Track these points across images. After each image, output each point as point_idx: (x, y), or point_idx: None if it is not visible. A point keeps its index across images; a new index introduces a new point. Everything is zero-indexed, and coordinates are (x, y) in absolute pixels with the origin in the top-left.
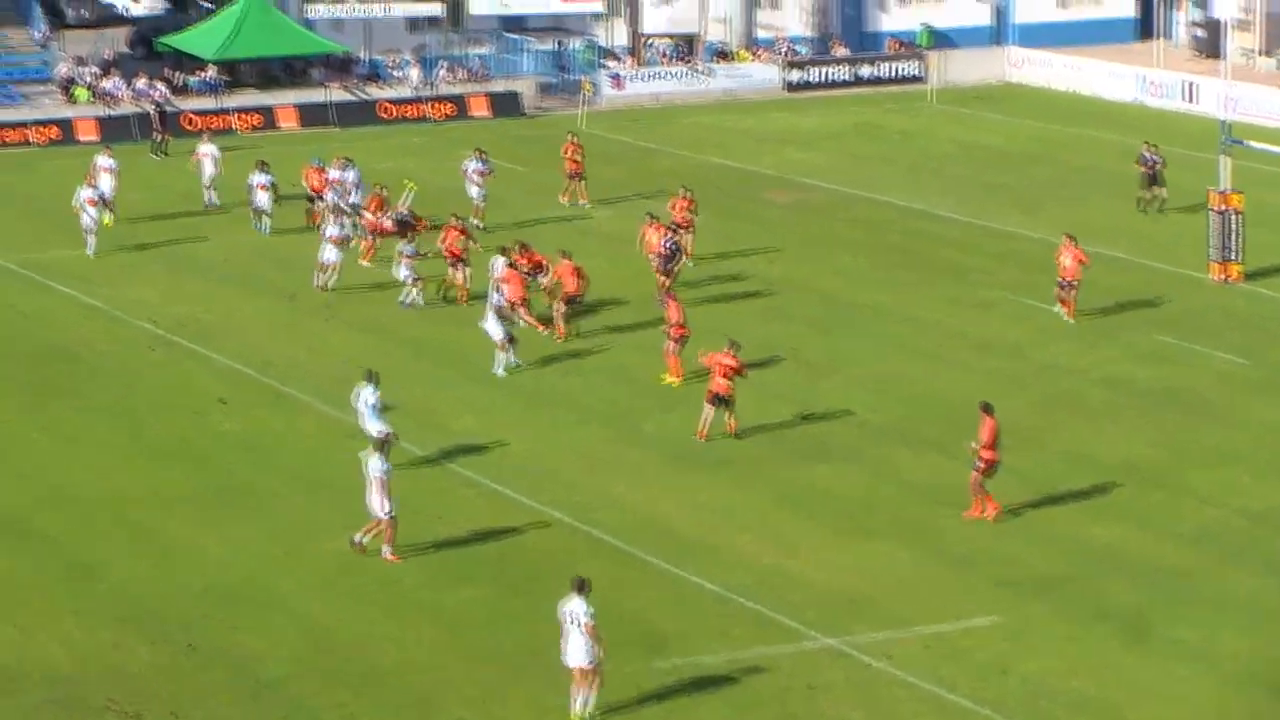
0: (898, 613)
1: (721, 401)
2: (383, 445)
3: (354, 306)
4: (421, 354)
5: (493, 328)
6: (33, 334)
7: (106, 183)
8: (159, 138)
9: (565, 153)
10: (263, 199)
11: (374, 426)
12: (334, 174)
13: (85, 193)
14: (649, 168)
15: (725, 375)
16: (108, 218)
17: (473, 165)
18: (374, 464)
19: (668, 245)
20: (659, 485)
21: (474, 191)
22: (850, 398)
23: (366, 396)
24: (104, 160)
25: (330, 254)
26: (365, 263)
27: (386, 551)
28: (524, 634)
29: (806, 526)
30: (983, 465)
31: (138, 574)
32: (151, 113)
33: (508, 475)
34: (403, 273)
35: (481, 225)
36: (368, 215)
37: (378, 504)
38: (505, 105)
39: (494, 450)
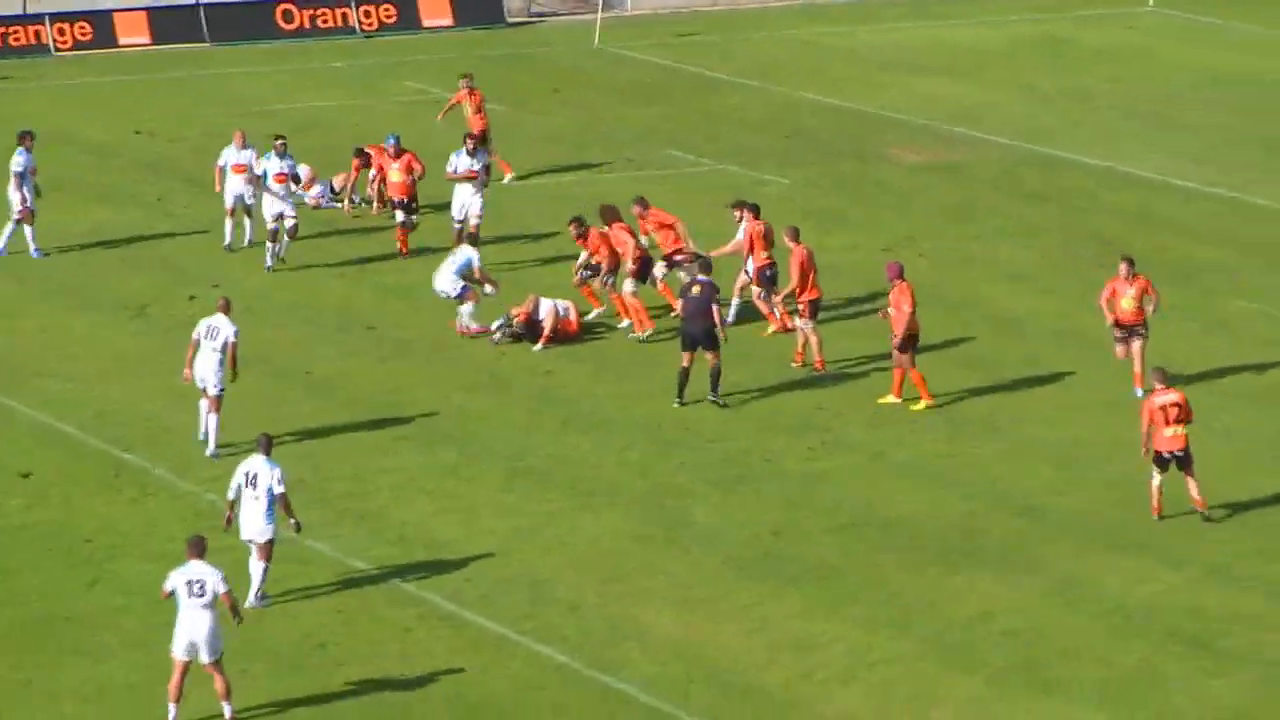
0: None
1: (1177, 462)
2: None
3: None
4: (355, 406)
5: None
6: None
7: None
8: None
9: (462, 102)
10: (277, 206)
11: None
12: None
13: None
14: (704, 108)
15: (1178, 420)
16: None
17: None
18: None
19: (764, 271)
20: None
21: (475, 204)
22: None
23: (262, 477)
24: None
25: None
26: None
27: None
28: None
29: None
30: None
31: None
32: None
33: (483, 593)
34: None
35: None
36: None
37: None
38: (476, 7)
39: (463, 556)
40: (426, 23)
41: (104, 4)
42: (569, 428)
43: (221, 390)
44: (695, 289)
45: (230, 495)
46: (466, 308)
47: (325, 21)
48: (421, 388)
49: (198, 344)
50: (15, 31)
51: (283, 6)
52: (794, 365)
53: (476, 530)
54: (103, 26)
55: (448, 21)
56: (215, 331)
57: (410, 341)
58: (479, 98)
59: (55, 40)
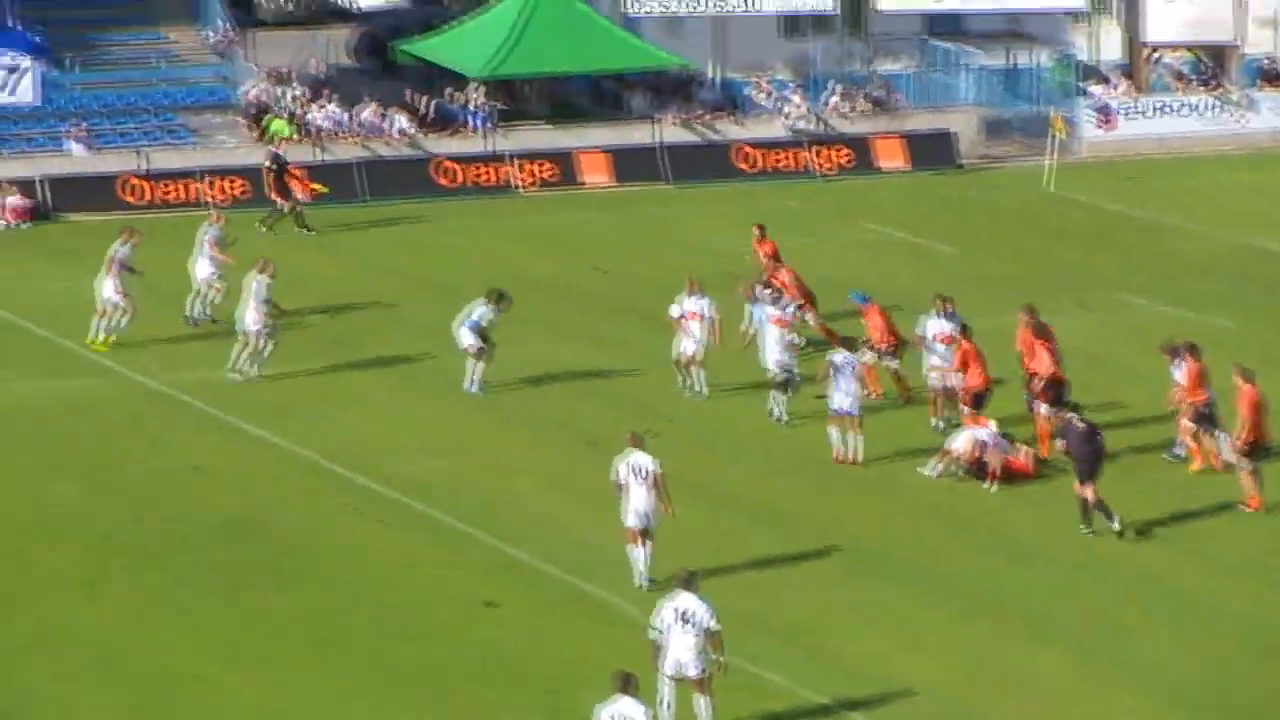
0: None
1: None
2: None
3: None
4: (800, 537)
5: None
6: (209, 500)
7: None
8: (285, 205)
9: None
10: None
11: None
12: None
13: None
14: (1154, 251)
15: None
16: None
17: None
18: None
19: (1202, 410)
20: None
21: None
22: None
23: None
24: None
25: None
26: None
27: None
28: None
29: None
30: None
31: None
32: (266, 165)
33: None
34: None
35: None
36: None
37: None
38: (930, 151)
39: (909, 688)
40: (882, 166)
41: (566, 142)
42: (1016, 562)
43: (649, 522)
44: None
45: (656, 630)
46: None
47: (783, 165)
48: (867, 521)
49: (623, 485)
50: (484, 172)
51: (742, 149)
52: (1244, 508)
53: (923, 661)
54: (566, 167)
55: (902, 165)
56: (640, 468)
57: (857, 477)
58: (769, 247)
59: (520, 180)
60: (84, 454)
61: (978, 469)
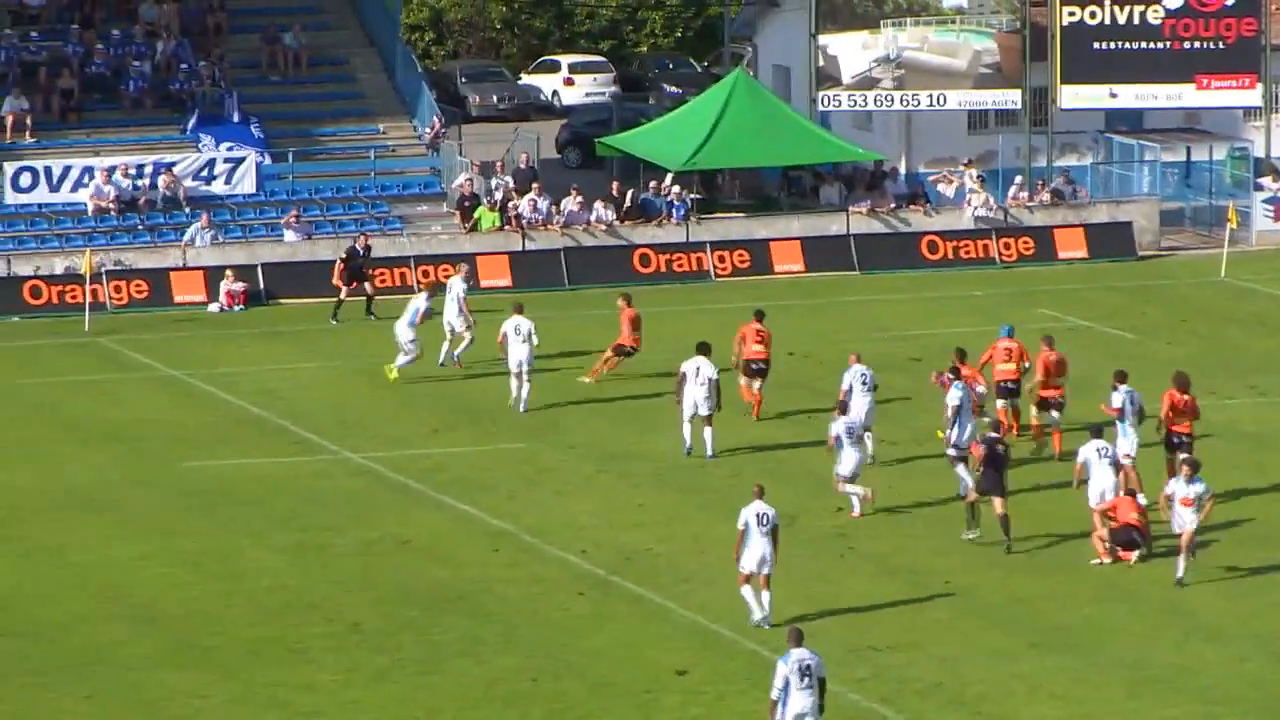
0: None
1: None
2: None
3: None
4: (984, 614)
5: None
6: (414, 572)
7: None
8: (345, 292)
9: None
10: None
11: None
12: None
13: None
14: None
15: None
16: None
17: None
18: None
19: None
20: None
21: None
22: None
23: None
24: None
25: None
26: None
27: None
28: None
29: None
30: None
31: None
32: (340, 259)
33: None
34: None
35: None
36: None
37: None
38: (1109, 241)
39: None
40: (1062, 255)
41: (759, 233)
42: (1191, 638)
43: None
44: None
45: (778, 689)
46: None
47: (968, 253)
48: (1050, 599)
49: (746, 530)
50: (679, 259)
51: (927, 238)
52: None
53: None
54: (760, 254)
55: (1082, 254)
56: (764, 517)
57: (1039, 554)
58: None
59: (715, 267)
60: (292, 527)
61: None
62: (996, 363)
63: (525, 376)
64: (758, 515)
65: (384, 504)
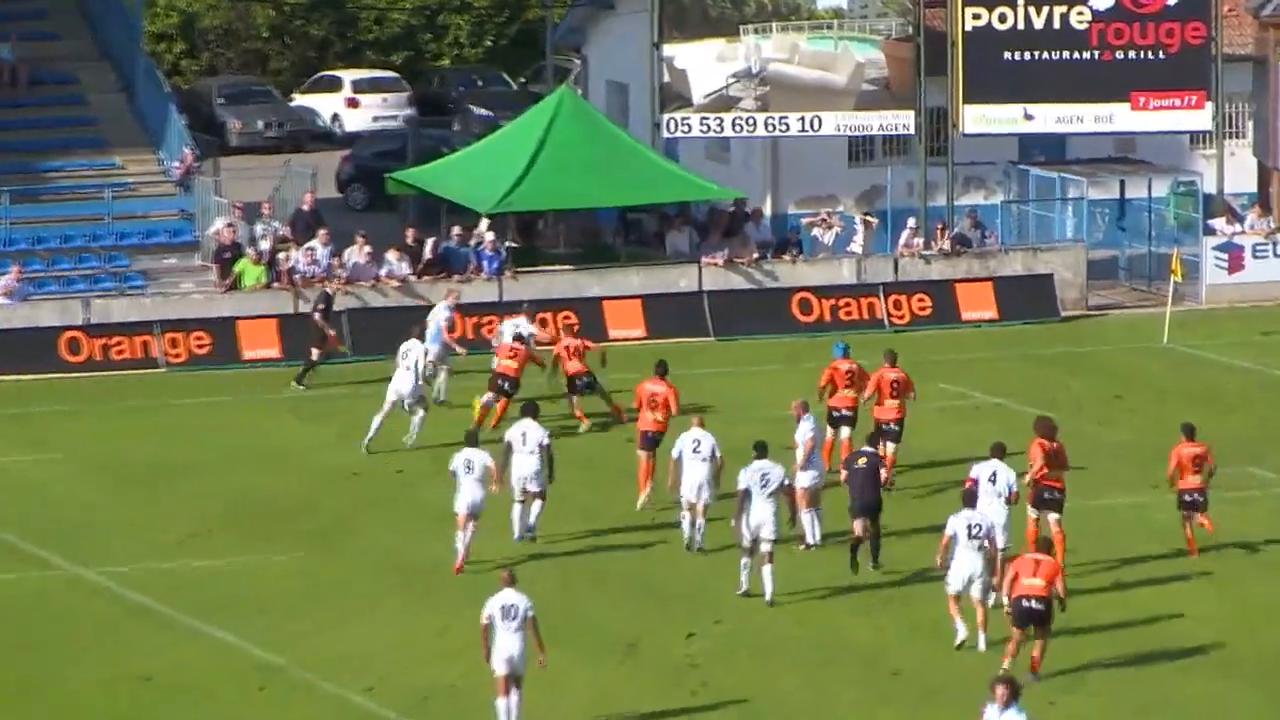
0: None
1: None
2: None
3: None
4: None
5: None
6: (156, 717)
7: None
8: (320, 355)
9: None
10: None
11: None
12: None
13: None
14: None
15: None
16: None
17: None
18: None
19: None
20: None
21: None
22: None
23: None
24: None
25: None
26: None
27: None
28: None
29: None
30: None
31: None
32: (318, 309)
33: None
34: None
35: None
36: None
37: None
38: (1025, 299)
39: None
40: (966, 316)
41: (591, 289)
42: None
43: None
44: None
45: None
46: None
47: (849, 314)
48: None
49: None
50: (489, 323)
51: (799, 296)
52: None
53: None
54: (591, 316)
55: (991, 315)
56: (512, 609)
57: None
58: None
59: (539, 331)
60: (6, 664)
61: None
62: (840, 388)
63: (410, 407)
64: (503, 608)
65: (123, 631)
